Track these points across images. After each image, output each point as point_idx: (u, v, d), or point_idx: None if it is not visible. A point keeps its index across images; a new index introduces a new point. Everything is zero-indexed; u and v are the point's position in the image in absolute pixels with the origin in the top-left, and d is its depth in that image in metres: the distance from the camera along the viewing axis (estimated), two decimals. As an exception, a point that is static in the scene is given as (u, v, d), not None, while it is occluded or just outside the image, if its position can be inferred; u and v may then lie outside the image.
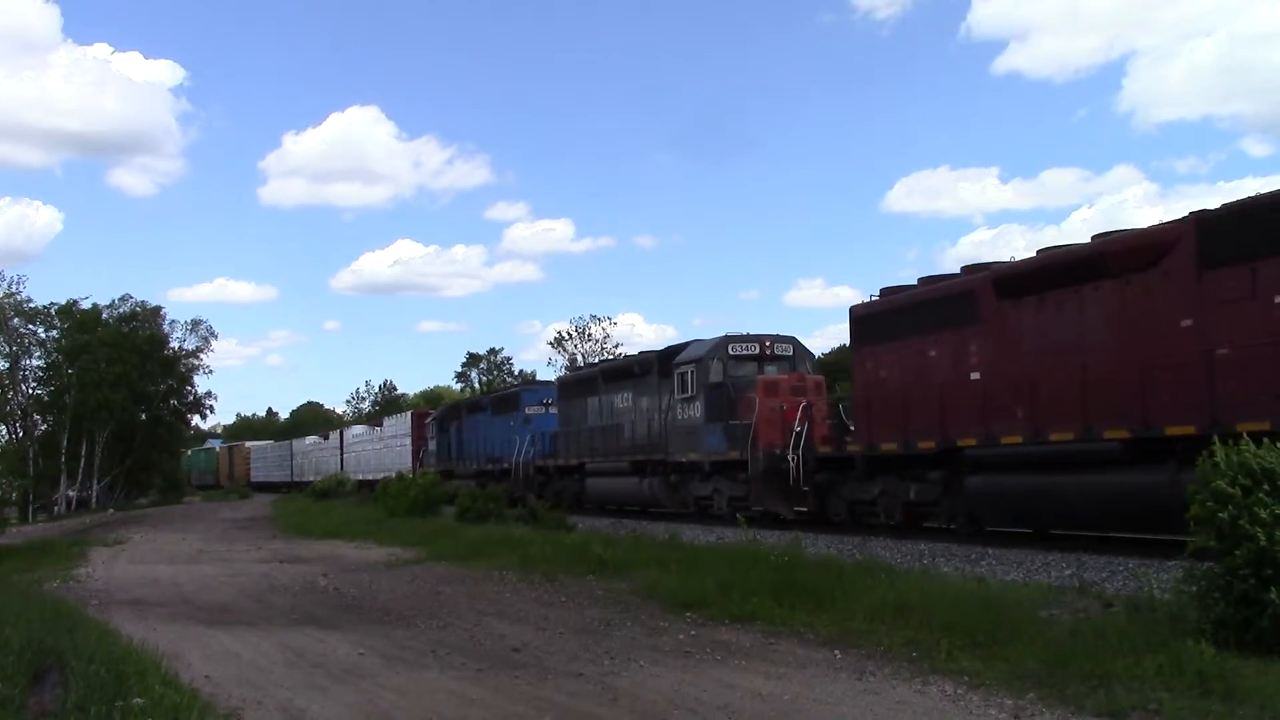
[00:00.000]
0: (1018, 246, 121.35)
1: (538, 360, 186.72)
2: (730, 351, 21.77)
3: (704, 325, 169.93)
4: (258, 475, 73.87)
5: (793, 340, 22.46)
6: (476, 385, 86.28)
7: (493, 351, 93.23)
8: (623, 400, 25.82)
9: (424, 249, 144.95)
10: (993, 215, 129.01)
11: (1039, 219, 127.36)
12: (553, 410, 31.56)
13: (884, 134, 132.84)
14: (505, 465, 32.51)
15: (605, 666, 8.49)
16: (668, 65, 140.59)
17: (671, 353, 23.75)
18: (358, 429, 58.39)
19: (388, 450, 47.81)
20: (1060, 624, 8.64)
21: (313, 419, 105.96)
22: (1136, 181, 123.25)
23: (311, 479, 56.36)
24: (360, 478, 49.13)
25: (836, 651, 8.76)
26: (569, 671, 8.34)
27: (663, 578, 12.82)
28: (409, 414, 48.46)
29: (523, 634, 10.19)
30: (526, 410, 33.16)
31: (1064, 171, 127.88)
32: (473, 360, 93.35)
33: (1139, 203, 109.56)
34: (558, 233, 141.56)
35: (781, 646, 9.13)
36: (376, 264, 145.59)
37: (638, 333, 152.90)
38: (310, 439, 67.47)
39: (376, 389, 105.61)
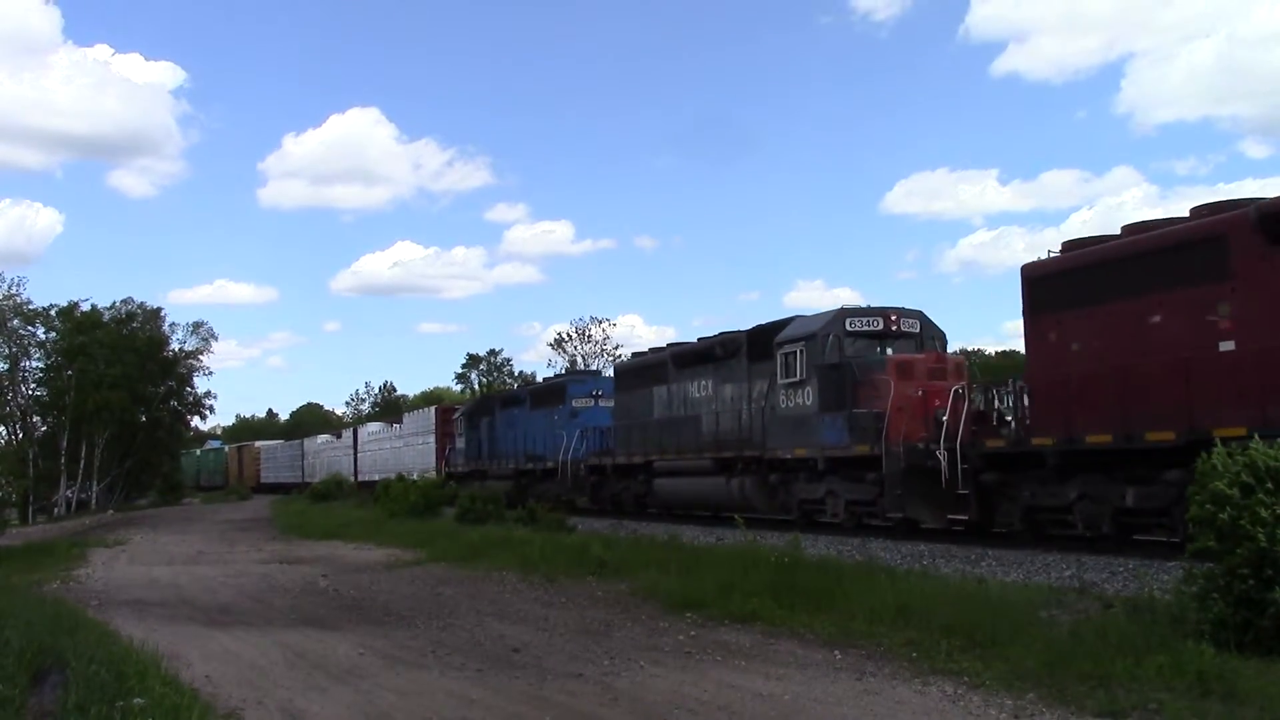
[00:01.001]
0: (1017, 248, 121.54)
1: (538, 362, 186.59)
2: (848, 327, 18.35)
3: (704, 326, 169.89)
4: (267, 476, 71.39)
5: (919, 314, 19.10)
6: (477, 387, 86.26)
7: (493, 353, 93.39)
8: (700, 388, 22.59)
9: (424, 250, 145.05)
10: (992, 217, 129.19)
11: (1038, 220, 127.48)
12: (603, 403, 28.93)
13: (883, 135, 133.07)
14: (549, 464, 29.51)
15: (605, 667, 8.49)
16: (668, 67, 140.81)
17: (765, 332, 20.33)
18: (373, 426, 55.05)
19: (408, 449, 44.71)
20: (1060, 625, 8.64)
21: (313, 420, 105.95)
22: (1136, 183, 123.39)
23: (323, 479, 53.77)
24: (377, 479, 45.53)
25: (836, 652, 8.76)
26: (569, 672, 8.34)
27: (663, 578, 12.82)
28: (432, 409, 45.05)
29: (523, 634, 10.19)
30: (573, 403, 30.10)
31: (1063, 173, 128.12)
32: (473, 361, 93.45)
33: (1138, 204, 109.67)
34: (558, 234, 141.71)
35: (782, 647, 9.13)
36: (376, 265, 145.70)
37: (638, 334, 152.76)
38: (322, 438, 65.02)
39: (376, 390, 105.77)
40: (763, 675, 7.99)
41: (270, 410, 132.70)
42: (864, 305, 19.00)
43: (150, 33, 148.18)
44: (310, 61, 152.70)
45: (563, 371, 68.79)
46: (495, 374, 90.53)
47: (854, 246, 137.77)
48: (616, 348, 73.25)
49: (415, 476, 38.00)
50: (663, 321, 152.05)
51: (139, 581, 16.36)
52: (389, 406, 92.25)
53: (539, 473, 30.57)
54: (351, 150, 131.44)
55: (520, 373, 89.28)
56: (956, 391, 15.62)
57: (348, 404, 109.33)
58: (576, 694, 7.59)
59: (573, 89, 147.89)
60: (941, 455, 15.12)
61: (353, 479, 50.70)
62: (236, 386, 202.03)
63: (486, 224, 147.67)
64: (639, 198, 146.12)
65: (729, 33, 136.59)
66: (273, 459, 72.32)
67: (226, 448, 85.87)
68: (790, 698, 7.26)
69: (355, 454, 53.46)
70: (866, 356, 18.15)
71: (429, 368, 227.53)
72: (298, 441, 69.42)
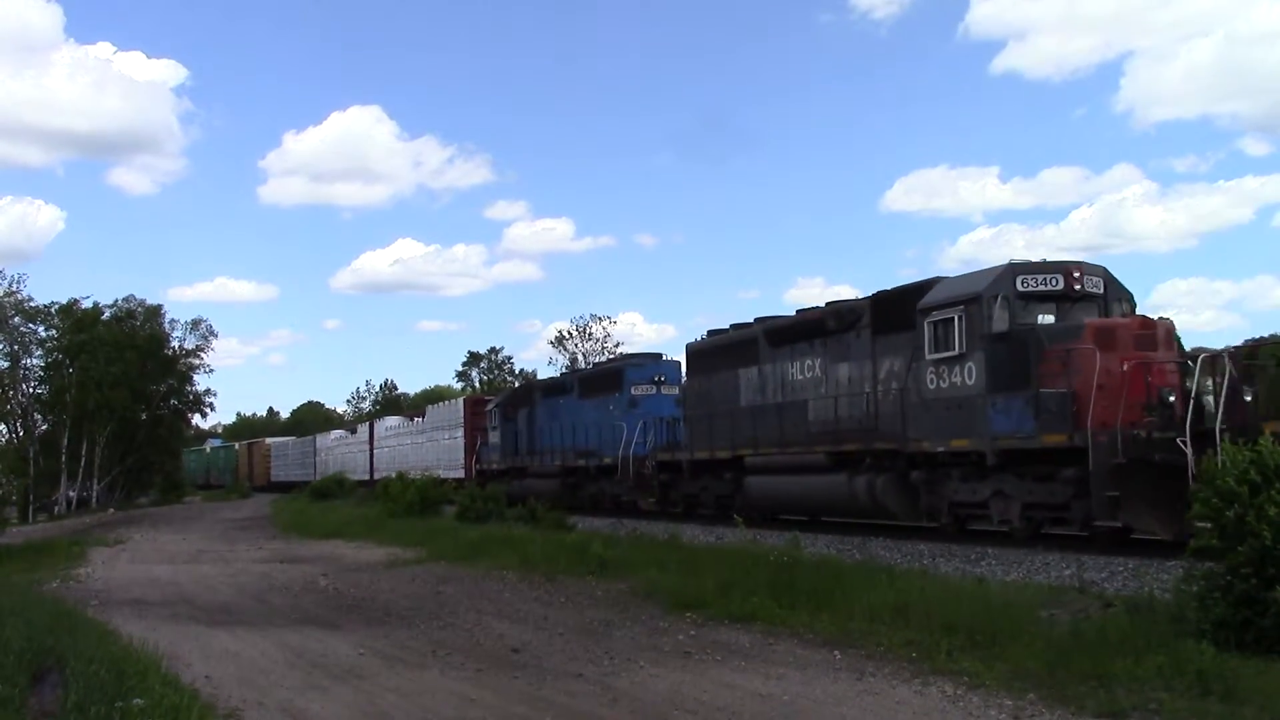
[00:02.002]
0: (1017, 246, 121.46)
1: (538, 359, 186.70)
2: (1020, 286, 14.60)
3: (704, 324, 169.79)
4: (278, 474, 68.24)
5: (1103, 270, 15.18)
6: (477, 384, 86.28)
7: (493, 351, 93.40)
8: (804, 369, 19.14)
9: (424, 248, 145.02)
10: (992, 214, 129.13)
11: (1039, 218, 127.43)
12: (666, 390, 26.09)
13: (883, 133, 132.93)
14: (605, 460, 25.97)
15: (605, 667, 8.50)
16: (668, 65, 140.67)
17: (899, 297, 16.71)
18: (392, 421, 52.05)
19: (432, 445, 41.25)
20: (1060, 624, 8.64)
21: (313, 418, 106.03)
22: (1136, 180, 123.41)
23: (347, 477, 51.45)
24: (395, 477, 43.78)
25: (836, 652, 8.76)
26: (569, 672, 8.35)
27: (663, 578, 12.82)
28: (460, 401, 41.58)
29: (523, 634, 10.19)
30: (632, 390, 26.54)
31: (1063, 170, 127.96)
32: (473, 359, 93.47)
33: (1139, 201, 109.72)
34: (558, 232, 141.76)
35: (781, 647, 9.13)
36: (377, 263, 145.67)
37: (638, 332, 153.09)
38: (335, 434, 62.88)
39: (377, 388, 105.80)
40: (762, 675, 7.99)
41: (271, 408, 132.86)
42: (1038, 260, 15.08)
43: (152, 31, 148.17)
44: (311, 59, 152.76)
45: (563, 368, 68.78)
46: (496, 372, 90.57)
47: (854, 244, 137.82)
48: (617, 345, 73.27)
49: (441, 474, 36.37)
50: (663, 319, 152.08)
51: (139, 580, 16.36)
52: (389, 404, 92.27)
53: (592, 470, 27.20)
54: (352, 148, 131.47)
55: (521, 370, 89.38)
56: (1183, 365, 12.99)
57: (348, 402, 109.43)
58: (576, 694, 7.59)
59: (573, 87, 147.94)
60: (1185, 446, 11.89)
61: (368, 477, 48.26)
62: (237, 384, 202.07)
63: (487, 221, 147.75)
64: (639, 195, 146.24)
65: (729, 31, 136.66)
66: (284, 456, 69.69)
67: (237, 445, 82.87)
68: (790, 698, 7.26)
69: (371, 451, 50.86)
70: (1048, 324, 14.56)
71: (429, 366, 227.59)
72: (310, 438, 67.01)
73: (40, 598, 12.35)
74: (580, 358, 72.65)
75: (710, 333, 23.31)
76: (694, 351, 23.75)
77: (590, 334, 75.73)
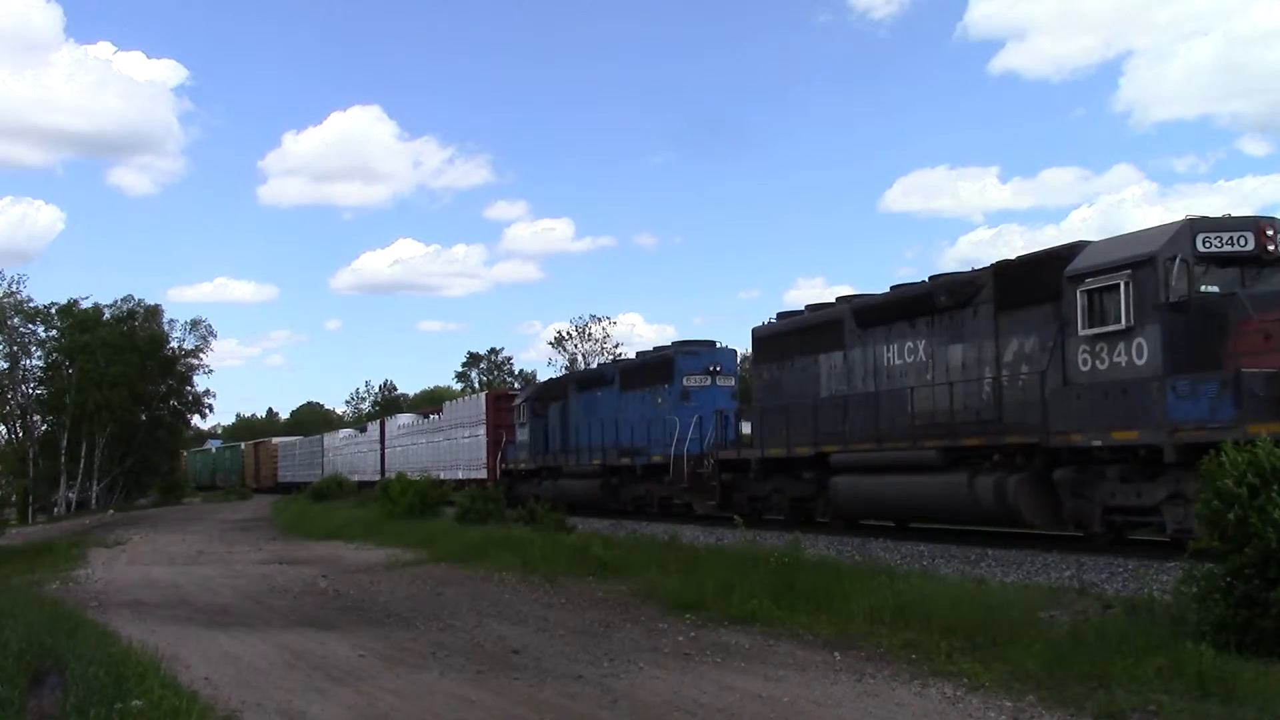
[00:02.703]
0: (1017, 246, 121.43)
1: (538, 360, 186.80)
2: (1200, 247, 12.41)
3: (704, 324, 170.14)
4: (285, 474, 66.19)
5: None
6: (477, 385, 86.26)
7: (493, 351, 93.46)
8: (903, 352, 16.83)
9: (424, 248, 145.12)
10: (992, 214, 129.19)
11: (1038, 218, 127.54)
12: (722, 381, 24.11)
13: (882, 133, 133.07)
14: (653, 459, 23.64)
15: (605, 668, 8.49)
16: (667, 65, 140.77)
17: (1035, 264, 14.52)
18: (404, 418, 49.26)
19: (450, 444, 38.55)
20: (1060, 626, 8.64)
21: (313, 419, 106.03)
22: (1136, 181, 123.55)
23: (347, 478, 50.12)
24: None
25: (836, 653, 8.76)
26: (569, 673, 8.34)
27: (662, 579, 12.82)
28: (482, 396, 38.75)
29: (523, 635, 10.19)
30: (684, 381, 24.11)
31: (1063, 170, 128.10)
32: (473, 360, 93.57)
33: (1138, 202, 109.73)
34: (558, 232, 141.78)
35: (781, 648, 9.13)
36: (377, 263, 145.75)
37: (638, 333, 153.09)
38: (344, 433, 61.19)
39: (377, 389, 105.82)
40: (762, 677, 7.98)
41: (270, 409, 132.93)
42: (1220, 216, 12.89)
43: (152, 31, 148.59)
44: (311, 59, 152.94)
45: (562, 370, 68.71)
46: (495, 372, 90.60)
47: (854, 244, 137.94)
48: (617, 346, 73.28)
49: (460, 476, 35.06)
50: (663, 320, 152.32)
51: (138, 582, 16.36)
52: (389, 405, 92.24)
53: (638, 470, 24.72)
54: (352, 148, 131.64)
55: (520, 371, 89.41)
56: None
57: (348, 403, 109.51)
58: (576, 695, 7.59)
59: (573, 87, 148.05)
60: None
61: (379, 478, 45.09)
62: (236, 385, 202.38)
63: (487, 221, 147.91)
64: (639, 195, 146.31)
65: (728, 31, 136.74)
66: (290, 456, 67.94)
67: (243, 445, 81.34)
68: (789, 699, 7.26)
69: (383, 450, 48.51)
70: (1241, 291, 12.35)
71: (429, 366, 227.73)
72: (317, 437, 65.55)
73: (40, 599, 12.34)
74: (580, 358, 72.73)
75: (781, 315, 21.15)
76: (762, 337, 21.29)
77: (590, 334, 75.82)
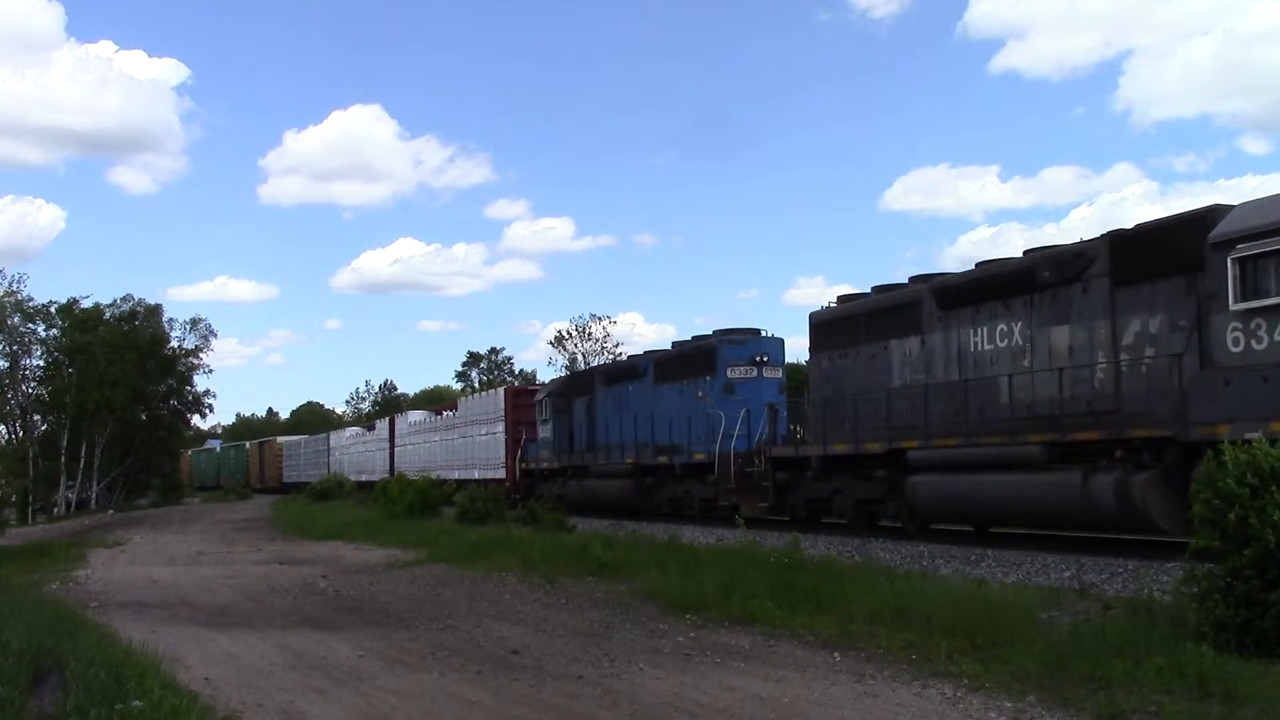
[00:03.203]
0: (1017, 245, 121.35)
1: (538, 360, 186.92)
2: None
3: (705, 324, 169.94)
4: (290, 474, 64.82)
5: None
6: (477, 384, 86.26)
7: (494, 351, 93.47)
8: (995, 336, 15.09)
9: (425, 247, 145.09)
10: (992, 214, 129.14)
11: (1039, 217, 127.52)
12: (770, 373, 22.31)
13: (882, 132, 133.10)
14: (695, 457, 22.12)
15: (605, 669, 8.49)
16: (667, 64, 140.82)
17: (1158, 234, 13.02)
18: (415, 415, 47.06)
19: (466, 442, 36.64)
20: (1060, 626, 8.65)
21: (313, 418, 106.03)
22: (1136, 179, 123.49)
23: (353, 478, 49.22)
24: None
25: (836, 654, 8.76)
26: (568, 674, 8.34)
27: (662, 579, 12.82)
28: (500, 391, 36.32)
29: (522, 636, 10.18)
30: (728, 372, 22.30)
31: (1063, 169, 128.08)
32: (473, 359, 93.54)
33: (1139, 200, 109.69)
34: (558, 231, 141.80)
35: (781, 649, 9.13)
36: (377, 262, 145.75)
37: (638, 332, 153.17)
38: (351, 431, 59.45)
39: (377, 389, 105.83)
40: (762, 677, 7.98)
41: (270, 409, 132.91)
42: None
43: (153, 30, 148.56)
44: (312, 58, 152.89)
45: (564, 369, 68.63)
46: (495, 372, 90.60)
47: (854, 244, 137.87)
48: (617, 345, 73.26)
49: (476, 475, 33.88)
50: (663, 319, 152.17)
51: (138, 582, 16.35)
52: (389, 405, 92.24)
53: (677, 469, 23.01)
54: (352, 147, 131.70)
55: (520, 371, 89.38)
56: None
57: (348, 402, 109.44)
58: (576, 696, 7.59)
59: (573, 86, 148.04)
60: None
61: (389, 478, 42.93)
62: (236, 385, 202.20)
63: (487, 221, 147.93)
64: (639, 195, 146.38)
65: (728, 30, 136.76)
66: (295, 456, 66.49)
67: (247, 444, 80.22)
68: (790, 700, 7.26)
69: (392, 449, 46.87)
70: None
71: (430, 366, 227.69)
72: (323, 436, 64.11)
73: (40, 599, 12.33)
74: (580, 358, 72.71)
75: (843, 298, 19.49)
76: (822, 322, 19.42)
77: (590, 334, 75.81)
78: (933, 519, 16.25)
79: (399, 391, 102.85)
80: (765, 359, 22.42)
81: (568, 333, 76.82)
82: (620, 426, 25.38)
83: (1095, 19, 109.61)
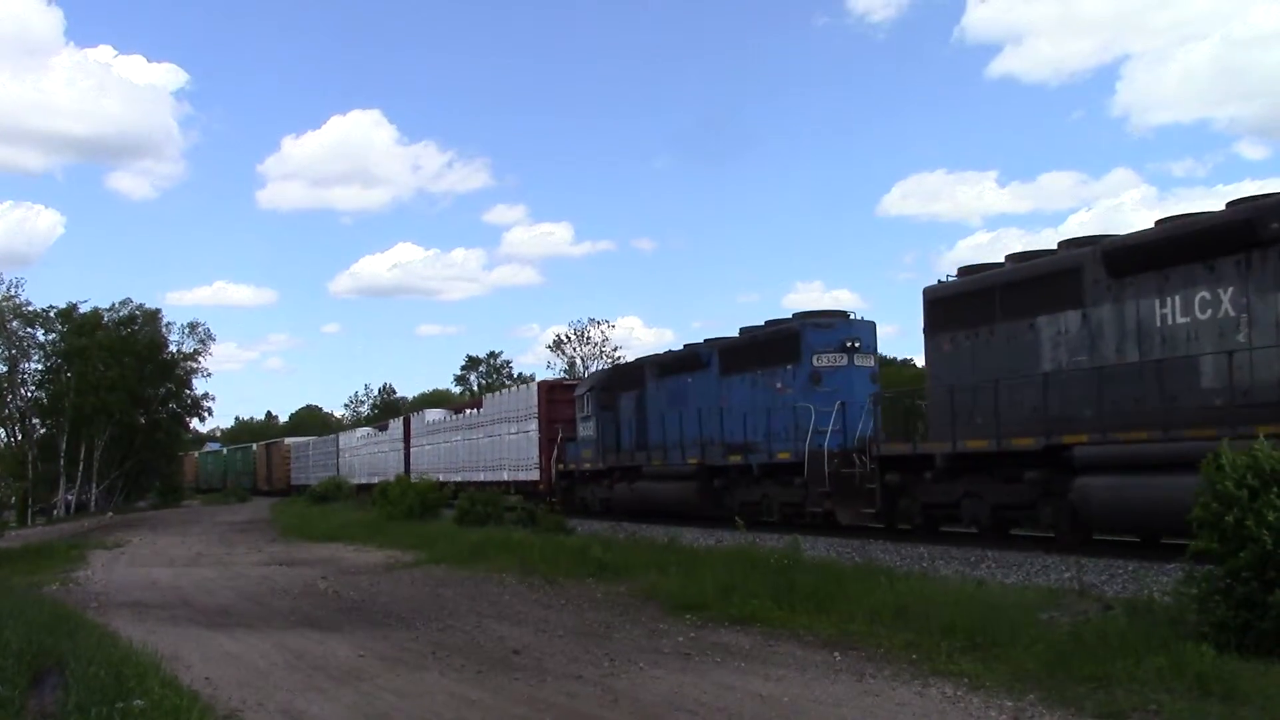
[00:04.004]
0: (1015, 249, 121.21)
1: (536, 364, 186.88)
2: None
3: (704, 329, 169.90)
4: (299, 477, 62.52)
5: None
6: (475, 388, 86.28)
7: (492, 355, 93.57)
8: (1188, 307, 12.69)
9: (423, 252, 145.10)
10: (991, 218, 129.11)
11: (1037, 222, 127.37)
12: (862, 360, 19.52)
13: (880, 137, 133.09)
14: (778, 456, 19.47)
15: (605, 668, 8.49)
16: (666, 69, 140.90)
17: None
18: (434, 414, 44.08)
19: (493, 442, 34.10)
20: (1060, 626, 8.65)
21: (312, 422, 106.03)
22: (1134, 185, 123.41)
23: (364, 481, 47.01)
24: (440, 480, 34.47)
25: (836, 653, 8.76)
26: (569, 674, 8.34)
27: (662, 580, 12.83)
28: (534, 386, 33.19)
29: (522, 636, 10.19)
30: (813, 360, 19.38)
31: (1062, 175, 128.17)
32: (472, 363, 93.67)
33: (1136, 205, 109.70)
34: (557, 236, 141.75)
35: (781, 648, 9.13)
36: (376, 267, 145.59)
37: (637, 336, 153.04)
38: (362, 432, 57.10)
39: (375, 392, 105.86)
40: (762, 677, 7.99)
41: (269, 412, 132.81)
42: None
43: (152, 35, 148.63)
44: (311, 64, 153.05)
45: (565, 371, 68.56)
46: (494, 376, 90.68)
47: (852, 248, 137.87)
48: (615, 349, 73.31)
49: (505, 478, 31.83)
50: (662, 324, 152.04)
51: (139, 583, 16.35)
52: (388, 409, 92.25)
53: (754, 470, 20.32)
54: (351, 152, 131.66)
55: (519, 374, 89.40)
56: None
57: (346, 406, 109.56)
58: (576, 695, 7.59)
59: (572, 91, 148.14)
60: None
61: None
62: (235, 389, 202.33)
63: (486, 225, 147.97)
64: (638, 199, 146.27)
65: (727, 35, 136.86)
66: (304, 458, 64.15)
67: (254, 446, 78.54)
68: (790, 700, 7.26)
69: (407, 450, 44.17)
70: None
71: (428, 370, 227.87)
72: (332, 437, 62.29)
73: (40, 600, 12.33)
74: (579, 362, 72.77)
75: (965, 270, 16.91)
76: (943, 299, 16.70)
77: (588, 338, 75.87)
78: (1106, 528, 13.84)
79: (398, 395, 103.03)
80: (857, 345, 19.52)
81: (566, 337, 76.97)
82: (680, 423, 22.91)
83: (1092, 24, 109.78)
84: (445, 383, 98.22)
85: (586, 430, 27.41)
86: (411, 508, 28.19)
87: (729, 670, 8.32)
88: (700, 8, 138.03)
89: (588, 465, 27.29)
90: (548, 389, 31.54)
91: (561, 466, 28.84)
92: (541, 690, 7.80)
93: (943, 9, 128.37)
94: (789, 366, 19.89)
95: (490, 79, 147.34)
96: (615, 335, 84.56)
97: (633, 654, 9.06)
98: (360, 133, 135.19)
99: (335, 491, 45.99)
